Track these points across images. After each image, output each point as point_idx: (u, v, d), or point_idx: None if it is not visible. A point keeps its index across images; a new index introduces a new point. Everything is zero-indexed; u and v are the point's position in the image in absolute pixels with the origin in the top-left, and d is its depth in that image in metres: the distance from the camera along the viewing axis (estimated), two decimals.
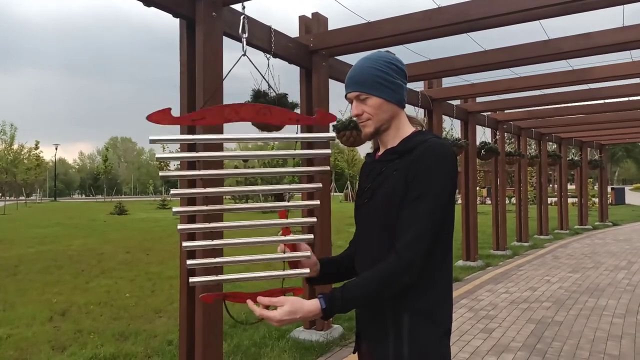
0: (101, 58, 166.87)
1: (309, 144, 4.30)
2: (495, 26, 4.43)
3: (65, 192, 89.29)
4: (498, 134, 10.53)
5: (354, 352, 1.63)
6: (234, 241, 1.49)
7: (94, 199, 61.77)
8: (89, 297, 6.42)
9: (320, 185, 1.41)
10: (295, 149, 1.53)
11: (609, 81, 7.14)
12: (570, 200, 16.94)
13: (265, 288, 1.49)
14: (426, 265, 1.37)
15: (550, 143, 14.43)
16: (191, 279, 1.42)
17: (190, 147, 3.07)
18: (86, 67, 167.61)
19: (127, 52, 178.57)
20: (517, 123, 11.46)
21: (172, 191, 1.47)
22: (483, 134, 9.91)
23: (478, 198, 12.23)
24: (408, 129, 1.53)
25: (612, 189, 30.67)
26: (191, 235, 1.60)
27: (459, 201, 9.34)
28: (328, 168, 1.46)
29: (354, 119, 1.53)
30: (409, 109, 6.91)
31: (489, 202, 16.10)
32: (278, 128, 4.04)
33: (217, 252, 1.56)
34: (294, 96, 4.43)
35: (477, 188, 10.42)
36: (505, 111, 10.33)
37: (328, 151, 1.48)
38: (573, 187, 24.31)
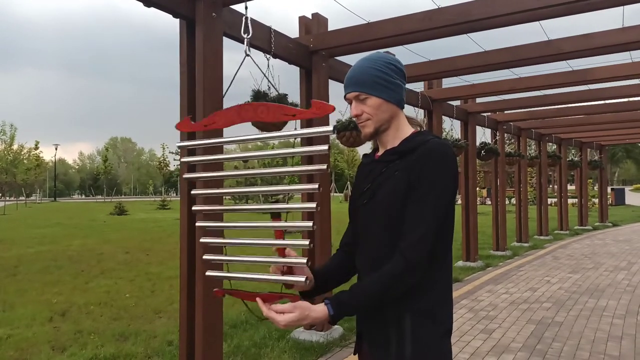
0: (101, 58, 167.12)
1: (308, 142, 4.30)
2: (496, 27, 4.43)
3: (65, 193, 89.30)
4: (498, 134, 10.53)
5: (354, 353, 1.63)
6: (245, 241, 1.51)
7: (93, 199, 61.77)
8: (89, 297, 6.42)
9: (316, 186, 1.37)
10: (294, 147, 1.51)
11: (609, 82, 7.14)
12: (570, 200, 16.95)
13: (264, 289, 1.49)
14: (427, 266, 1.37)
15: (550, 144, 14.44)
16: (208, 272, 1.45)
17: (190, 151, 3.08)
18: (86, 67, 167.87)
19: (127, 52, 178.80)
20: (517, 124, 11.46)
21: (193, 191, 1.53)
22: (483, 135, 9.92)
23: (478, 198, 12.23)
24: (408, 130, 1.53)
25: (612, 189, 30.69)
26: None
27: (459, 201, 9.34)
28: (325, 167, 1.38)
29: (354, 119, 1.53)
30: (409, 110, 6.91)
31: (489, 202, 16.11)
32: (278, 128, 4.04)
33: (220, 249, 1.60)
34: (294, 96, 4.44)
35: (477, 189, 10.41)
36: (505, 112, 10.33)
37: (325, 147, 1.38)
38: (573, 187, 24.34)
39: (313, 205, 1.40)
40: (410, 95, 7.07)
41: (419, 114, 7.47)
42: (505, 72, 6.78)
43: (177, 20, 3.60)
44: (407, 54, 5.46)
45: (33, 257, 9.89)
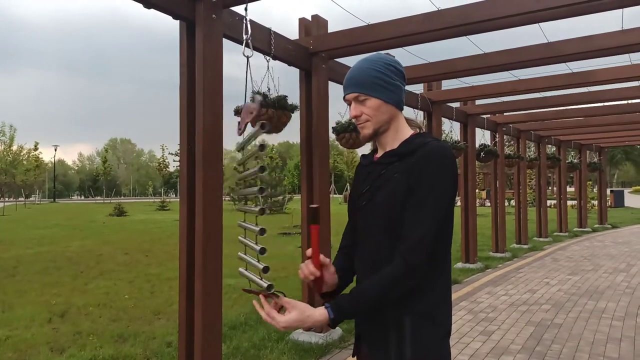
0: (101, 59, 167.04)
1: (308, 145, 4.27)
2: (496, 29, 4.43)
3: (65, 194, 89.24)
4: (497, 136, 10.54)
5: (353, 355, 1.62)
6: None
7: (93, 201, 61.73)
8: (88, 298, 6.41)
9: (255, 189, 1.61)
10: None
11: (609, 84, 7.15)
12: (569, 202, 16.95)
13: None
14: (426, 268, 1.37)
15: (550, 145, 14.44)
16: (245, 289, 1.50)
17: (190, 152, 3.09)
18: (86, 68, 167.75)
19: (127, 53, 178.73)
20: (516, 126, 11.47)
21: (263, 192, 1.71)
22: (482, 137, 9.92)
23: (477, 200, 12.24)
24: (407, 131, 1.53)
25: (611, 191, 30.68)
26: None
27: (458, 203, 9.34)
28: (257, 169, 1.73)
29: (353, 120, 1.53)
30: (408, 112, 6.92)
31: (488, 204, 16.10)
32: (278, 130, 4.05)
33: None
34: (294, 98, 4.44)
35: (477, 190, 10.42)
36: (505, 114, 10.33)
37: (262, 152, 1.81)
38: (572, 189, 24.34)
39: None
40: (410, 97, 7.07)
41: (418, 115, 7.48)
42: (505, 74, 6.79)
43: (177, 22, 3.60)
44: (407, 56, 5.47)
45: (32, 258, 9.88)
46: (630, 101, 9.11)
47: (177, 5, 3.42)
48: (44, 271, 8.42)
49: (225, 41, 3.71)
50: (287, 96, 4.18)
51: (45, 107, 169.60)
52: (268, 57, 4.32)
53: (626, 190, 43.57)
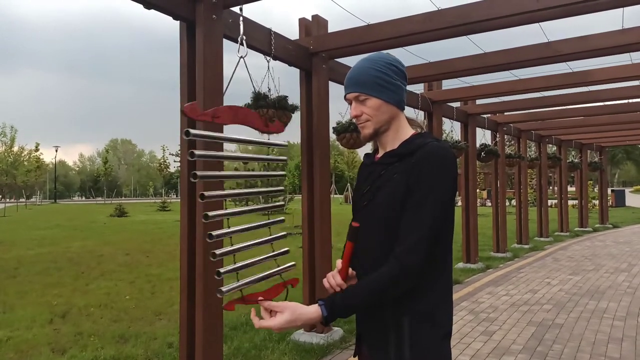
0: (101, 59, 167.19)
1: (309, 147, 4.29)
2: (496, 28, 4.43)
3: (65, 194, 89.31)
4: (498, 136, 10.53)
5: (354, 355, 1.62)
6: (251, 243, 1.55)
7: (94, 201, 61.77)
8: (89, 299, 6.41)
9: (282, 188, 1.53)
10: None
11: (609, 83, 7.15)
12: (570, 202, 16.93)
13: (261, 287, 1.51)
14: (426, 268, 1.37)
15: (550, 145, 14.43)
16: (224, 289, 1.43)
17: (192, 144, 3.09)
18: (86, 68, 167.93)
19: (127, 53, 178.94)
20: (517, 125, 11.46)
21: (206, 193, 1.49)
22: (483, 136, 9.93)
23: (478, 200, 12.22)
24: (408, 131, 1.53)
25: (612, 191, 30.66)
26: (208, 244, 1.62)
27: (459, 203, 9.34)
28: (283, 173, 1.65)
29: (353, 120, 1.54)
30: (409, 111, 6.92)
31: (489, 204, 16.10)
32: (278, 131, 4.03)
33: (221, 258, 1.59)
34: (294, 98, 4.44)
35: (477, 190, 10.41)
36: (505, 113, 10.33)
37: (284, 157, 1.76)
38: (573, 189, 24.33)
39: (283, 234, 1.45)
40: (410, 97, 7.07)
41: (419, 115, 7.47)
42: (505, 74, 6.79)
43: (177, 22, 3.60)
44: (407, 56, 5.47)
45: (33, 259, 9.89)
46: (630, 100, 9.10)
47: (177, 5, 3.42)
48: (45, 272, 8.43)
49: (225, 41, 3.71)
50: (287, 96, 4.19)
51: (45, 107, 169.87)
52: (268, 58, 4.32)
53: (627, 190, 43.53)
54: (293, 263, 1.63)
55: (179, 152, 3.66)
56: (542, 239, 12.99)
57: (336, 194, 51.78)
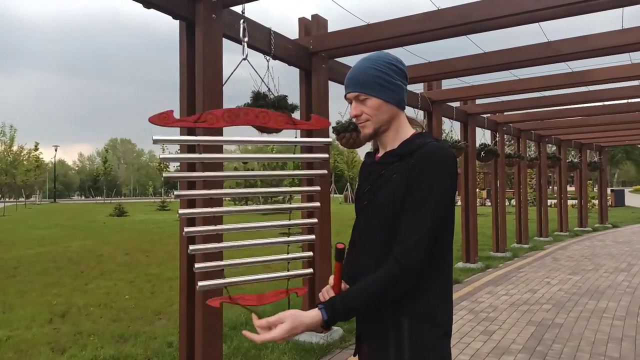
0: (101, 59, 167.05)
1: (307, 148, 4.31)
2: (495, 28, 4.43)
3: (65, 194, 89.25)
4: (498, 135, 10.53)
5: (354, 355, 1.62)
6: (242, 243, 1.51)
7: (93, 201, 61.75)
8: (89, 298, 6.41)
9: (318, 188, 1.42)
10: (294, 153, 1.55)
11: (609, 83, 7.15)
12: (570, 202, 16.94)
13: (265, 290, 1.50)
14: (426, 268, 1.37)
15: (550, 145, 14.44)
16: (200, 283, 1.42)
17: (191, 148, 3.07)
18: (86, 68, 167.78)
19: (127, 53, 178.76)
20: (516, 125, 11.47)
21: (176, 192, 1.48)
22: (483, 136, 9.92)
23: (478, 200, 12.23)
24: (408, 131, 1.52)
25: (611, 190, 30.69)
26: (192, 240, 1.61)
27: (459, 203, 9.34)
28: (326, 172, 1.51)
29: (353, 120, 1.53)
30: (409, 111, 6.91)
31: (489, 203, 16.10)
32: (277, 130, 4.03)
33: (219, 255, 1.59)
34: (294, 98, 4.44)
35: (477, 190, 10.41)
36: (505, 113, 10.33)
37: (326, 155, 1.56)
38: (573, 189, 24.33)
39: (317, 204, 1.43)
40: (410, 96, 7.07)
41: (418, 115, 7.47)
42: (505, 74, 6.79)
43: (177, 22, 3.60)
44: (406, 56, 5.47)
45: (33, 259, 9.88)
46: (630, 100, 9.10)
47: (177, 5, 3.42)
48: (45, 271, 8.42)
49: (225, 41, 3.71)
50: (287, 96, 4.18)
51: (45, 107, 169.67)
52: (268, 57, 4.32)
53: (627, 190, 43.57)
54: (310, 270, 1.59)
55: (179, 151, 3.66)
56: (541, 238, 13.00)
57: (336, 193, 51.76)
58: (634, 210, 26.26)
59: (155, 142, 1.50)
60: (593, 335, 4.75)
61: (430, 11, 4.28)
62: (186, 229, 1.46)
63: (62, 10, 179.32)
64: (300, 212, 5.09)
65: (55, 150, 55.08)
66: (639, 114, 10.55)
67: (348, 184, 45.83)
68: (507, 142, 12.48)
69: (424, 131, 1.57)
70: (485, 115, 9.89)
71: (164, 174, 1.47)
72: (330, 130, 5.19)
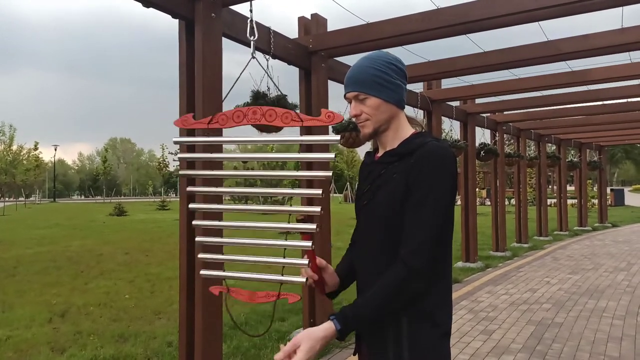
0: (101, 59, 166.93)
1: (308, 147, 4.30)
2: (495, 27, 4.43)
3: (65, 193, 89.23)
4: (497, 135, 10.54)
5: (354, 354, 1.62)
6: (245, 241, 1.55)
7: (93, 200, 61.73)
8: (88, 298, 6.41)
9: (320, 191, 1.41)
10: (297, 152, 1.55)
11: (608, 82, 7.15)
12: (569, 201, 16.95)
13: (262, 288, 1.51)
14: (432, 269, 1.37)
15: (550, 144, 14.44)
16: (202, 271, 1.50)
17: (190, 148, 3.07)
18: (85, 68, 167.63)
19: (126, 52, 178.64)
20: (516, 124, 11.47)
21: (188, 188, 1.59)
22: (482, 135, 9.92)
23: (477, 199, 12.23)
24: (407, 130, 1.52)
25: (611, 190, 30.72)
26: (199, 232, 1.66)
27: (459, 202, 9.34)
28: (329, 174, 1.51)
29: (353, 119, 1.53)
30: (408, 110, 6.91)
31: (489, 203, 16.10)
32: (277, 129, 4.03)
33: (220, 248, 1.66)
34: (294, 97, 4.44)
35: (477, 189, 10.42)
36: (505, 112, 10.33)
37: (331, 155, 1.49)
38: (572, 188, 24.33)
39: (317, 209, 1.43)
40: (410, 96, 7.07)
41: (418, 114, 7.47)
42: (505, 73, 6.78)
43: (177, 21, 3.60)
44: (406, 55, 5.47)
45: (32, 258, 9.88)
46: (630, 99, 9.10)
47: (176, 4, 3.41)
48: (44, 271, 8.42)
49: (224, 40, 3.71)
50: (286, 95, 4.18)
51: (45, 107, 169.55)
52: (267, 56, 4.31)
53: (626, 189, 43.60)
54: (303, 280, 1.54)
55: (179, 151, 3.65)
56: (541, 238, 13.00)
57: (335, 193, 51.77)
58: (633, 209, 26.27)
59: (176, 142, 1.68)
60: (593, 335, 4.75)
61: (430, 10, 4.28)
62: (191, 205, 1.62)
63: (62, 10, 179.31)
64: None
65: (55, 149, 55.08)
66: (638, 113, 10.54)
67: (348, 183, 45.82)
68: (507, 142, 12.47)
69: (423, 130, 1.56)
70: (484, 115, 9.89)
71: (180, 172, 1.58)
72: (330, 129, 5.18)
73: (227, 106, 3.71)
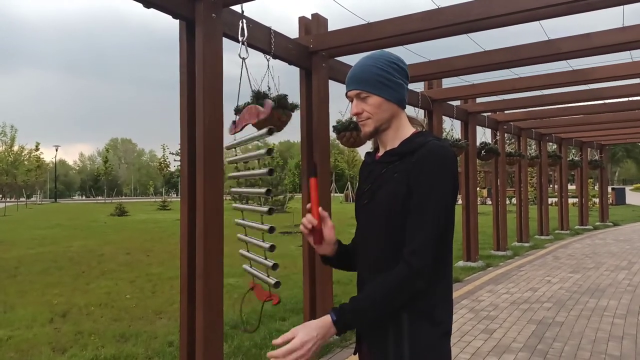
0: (101, 59, 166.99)
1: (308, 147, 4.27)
2: (496, 26, 4.42)
3: (66, 194, 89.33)
4: (498, 134, 10.53)
5: (354, 353, 1.62)
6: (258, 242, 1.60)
7: (94, 200, 61.76)
8: (90, 298, 6.41)
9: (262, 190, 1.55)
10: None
11: (609, 81, 7.14)
12: (570, 200, 16.93)
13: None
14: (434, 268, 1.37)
15: (551, 143, 14.42)
16: (244, 266, 1.57)
17: (191, 151, 3.09)
18: (86, 68, 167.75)
19: (127, 53, 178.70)
20: (517, 123, 11.46)
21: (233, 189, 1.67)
22: (483, 135, 9.92)
23: (478, 199, 12.22)
24: (408, 130, 1.52)
25: (612, 189, 30.65)
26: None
27: (460, 202, 9.34)
28: (266, 171, 1.70)
29: (354, 118, 1.54)
30: (409, 110, 6.91)
31: (490, 202, 16.10)
32: (278, 129, 4.04)
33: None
34: (294, 97, 4.43)
35: (478, 189, 10.41)
36: (506, 112, 10.32)
37: (262, 152, 1.65)
38: (573, 187, 24.31)
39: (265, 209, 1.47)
40: (411, 95, 7.06)
41: (419, 114, 7.47)
42: (505, 72, 6.78)
43: (177, 21, 3.60)
44: (407, 54, 5.47)
45: (33, 258, 9.89)
46: (631, 98, 9.08)
47: (176, 4, 3.41)
48: (46, 271, 8.43)
49: (225, 40, 3.71)
50: (287, 95, 4.17)
51: (45, 107, 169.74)
52: (268, 56, 4.31)
53: (627, 188, 43.56)
54: (276, 281, 1.60)
55: (179, 151, 3.67)
56: (542, 237, 12.99)
57: (336, 192, 51.76)
58: (634, 208, 26.24)
59: (228, 147, 1.87)
60: (594, 334, 4.75)
61: (430, 10, 4.27)
62: (234, 205, 1.61)
63: (62, 10, 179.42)
64: (300, 211, 5.08)
65: (56, 150, 55.10)
66: (639, 112, 10.53)
67: (348, 183, 45.80)
68: (508, 141, 12.50)
69: (424, 130, 1.56)
70: (485, 114, 9.88)
71: (229, 174, 1.64)
72: (331, 129, 5.18)
73: (227, 106, 3.71)
